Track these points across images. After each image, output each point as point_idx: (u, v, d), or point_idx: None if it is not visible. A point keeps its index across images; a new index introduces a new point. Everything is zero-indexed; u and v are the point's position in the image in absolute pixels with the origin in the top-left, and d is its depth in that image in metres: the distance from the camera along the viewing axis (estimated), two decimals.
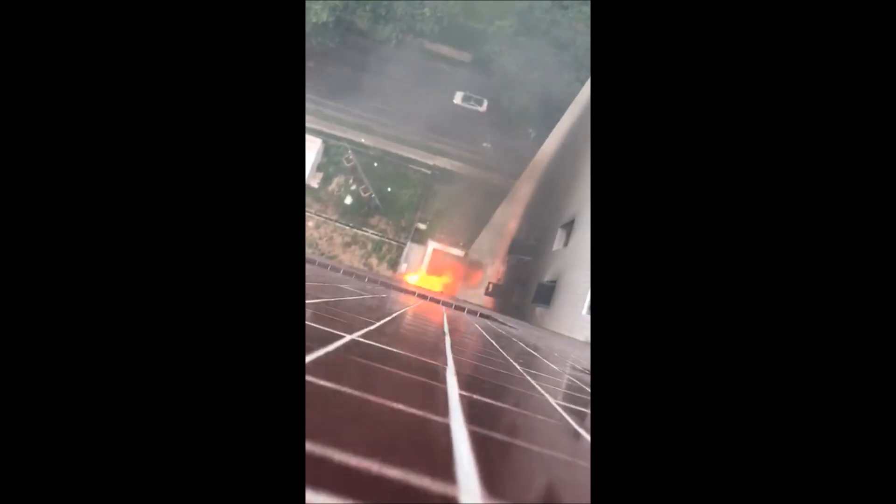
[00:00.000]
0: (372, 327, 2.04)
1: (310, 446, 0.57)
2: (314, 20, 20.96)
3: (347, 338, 1.54)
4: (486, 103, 23.88)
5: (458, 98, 24.85)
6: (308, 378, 0.88)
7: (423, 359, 1.59)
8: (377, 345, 1.59)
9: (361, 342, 1.54)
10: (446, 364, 1.64)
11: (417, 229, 26.19)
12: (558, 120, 18.87)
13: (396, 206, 26.22)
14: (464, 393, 1.23)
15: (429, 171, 25.59)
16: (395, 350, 1.60)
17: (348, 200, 26.15)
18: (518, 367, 2.23)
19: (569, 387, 2.14)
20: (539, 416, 1.26)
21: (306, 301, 2.31)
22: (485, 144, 24.95)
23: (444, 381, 1.32)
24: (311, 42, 22.41)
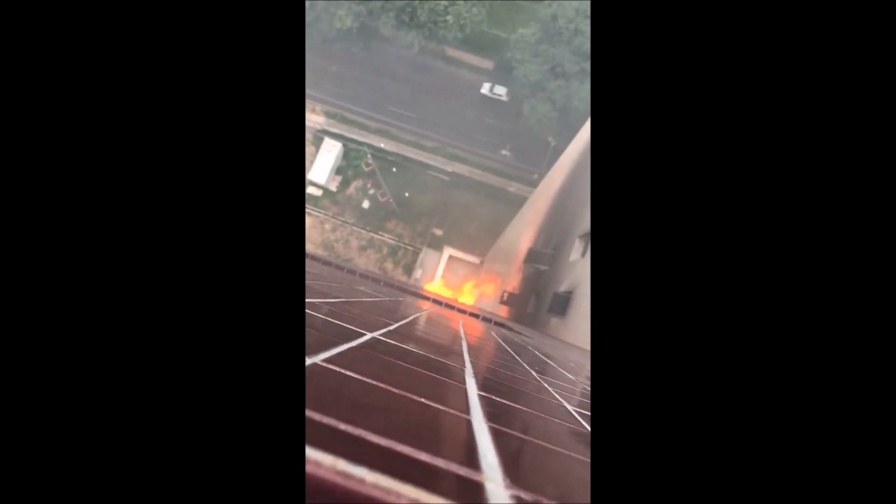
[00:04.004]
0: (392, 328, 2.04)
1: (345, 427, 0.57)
2: (338, 26, 21.25)
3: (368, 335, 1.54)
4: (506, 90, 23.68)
5: (484, 88, 24.82)
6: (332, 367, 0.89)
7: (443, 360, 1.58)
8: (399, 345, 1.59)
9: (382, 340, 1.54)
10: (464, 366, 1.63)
11: (434, 235, 26.19)
12: (579, 129, 18.78)
13: (414, 212, 26.28)
14: (482, 393, 1.22)
15: (447, 178, 25.62)
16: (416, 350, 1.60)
17: (366, 204, 26.29)
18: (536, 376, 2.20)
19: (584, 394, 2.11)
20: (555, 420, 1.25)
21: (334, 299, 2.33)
22: (504, 152, 24.89)
23: (462, 381, 1.31)
24: (335, 47, 22.73)
